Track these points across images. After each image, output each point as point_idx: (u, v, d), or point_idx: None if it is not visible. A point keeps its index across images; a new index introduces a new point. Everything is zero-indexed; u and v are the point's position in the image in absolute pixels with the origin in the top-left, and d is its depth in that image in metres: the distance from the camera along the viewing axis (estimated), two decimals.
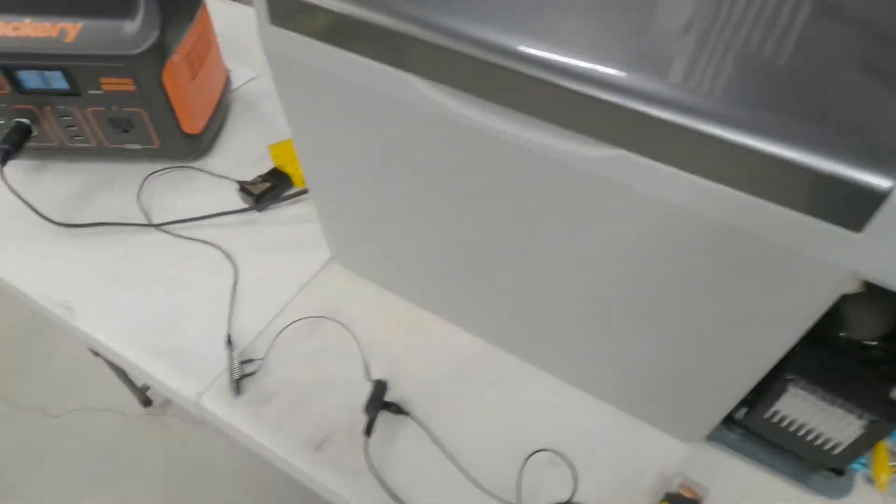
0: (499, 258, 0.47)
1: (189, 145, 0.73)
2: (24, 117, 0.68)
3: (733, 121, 0.29)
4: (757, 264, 0.33)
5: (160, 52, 0.63)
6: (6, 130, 0.68)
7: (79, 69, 0.63)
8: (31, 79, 0.65)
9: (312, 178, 0.55)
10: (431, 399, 0.54)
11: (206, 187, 0.72)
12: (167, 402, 1.34)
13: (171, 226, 0.68)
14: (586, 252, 0.40)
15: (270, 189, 0.70)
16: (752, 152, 0.29)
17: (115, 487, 1.21)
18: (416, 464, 0.50)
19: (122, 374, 1.21)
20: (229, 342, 0.57)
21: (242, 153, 0.77)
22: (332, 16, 0.38)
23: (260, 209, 0.70)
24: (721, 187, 0.31)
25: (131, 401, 1.31)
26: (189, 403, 0.55)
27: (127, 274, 0.64)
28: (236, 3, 1.01)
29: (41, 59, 0.63)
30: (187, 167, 0.75)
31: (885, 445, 0.43)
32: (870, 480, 0.47)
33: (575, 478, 0.49)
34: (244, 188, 0.70)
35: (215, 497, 1.21)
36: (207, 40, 0.74)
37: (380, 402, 0.52)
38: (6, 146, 0.67)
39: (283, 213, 0.70)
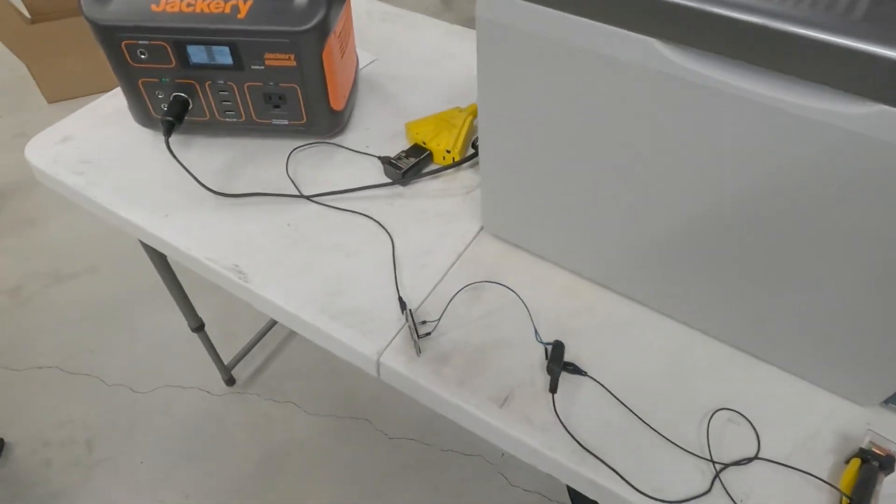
0: (686, 225, 0.49)
1: (333, 121, 0.76)
2: (184, 91, 0.71)
3: None
4: None
5: (324, 29, 0.66)
6: (166, 104, 0.71)
7: (246, 44, 0.66)
8: (198, 53, 0.68)
9: (489, 146, 0.57)
10: (604, 362, 0.56)
11: (348, 162, 0.75)
12: (250, 381, 1.37)
13: (323, 197, 0.71)
14: (808, 213, 0.42)
15: (415, 165, 0.72)
16: None
17: (203, 462, 1.25)
18: (601, 420, 0.52)
19: (212, 350, 1.24)
20: (403, 305, 0.59)
21: (376, 130, 0.80)
22: None
23: (404, 184, 0.72)
24: None
25: (216, 378, 1.35)
26: (369, 362, 0.57)
27: (290, 241, 0.66)
28: None
29: (212, 35, 0.66)
30: (329, 143, 0.77)
31: None
32: None
33: (757, 435, 0.51)
34: (390, 162, 0.72)
35: (299, 474, 1.24)
36: (350, 22, 0.77)
37: (561, 360, 0.54)
38: (170, 118, 0.70)
39: (426, 188, 0.73)
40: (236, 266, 0.64)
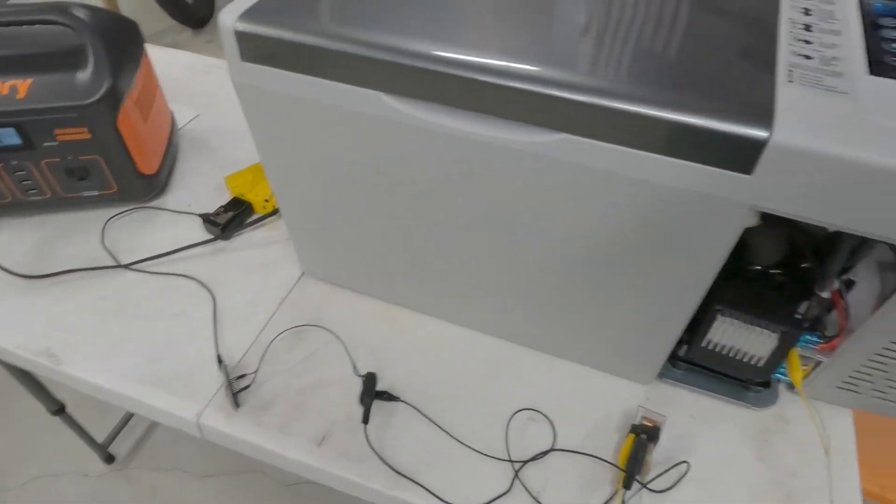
0: (463, 246, 0.53)
1: (147, 186, 0.75)
2: None
3: (647, 100, 0.37)
4: (679, 213, 0.41)
5: (113, 98, 0.66)
6: None
7: (32, 123, 0.65)
8: None
9: (283, 198, 0.60)
10: (417, 383, 0.59)
11: (169, 224, 0.75)
12: (132, 454, 1.31)
13: (142, 264, 0.70)
14: (541, 227, 0.48)
15: (234, 218, 0.73)
16: (664, 122, 0.37)
17: None
18: (413, 441, 0.55)
19: (81, 431, 1.17)
20: (220, 361, 0.60)
21: (198, 188, 0.80)
22: (305, 49, 0.44)
23: (226, 238, 0.73)
24: (644, 153, 0.39)
25: (93, 458, 1.27)
26: (190, 425, 0.58)
27: (106, 314, 0.65)
28: (168, 48, 1.03)
29: None
30: (147, 207, 0.77)
31: (796, 352, 0.52)
32: (790, 388, 0.57)
33: (553, 428, 0.56)
34: (209, 220, 0.73)
35: None
36: (153, 83, 0.78)
37: (372, 391, 0.57)
38: None
39: (248, 239, 0.74)
40: (48, 349, 0.62)
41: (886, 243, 0.50)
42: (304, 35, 0.44)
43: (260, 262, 0.71)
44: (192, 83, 0.98)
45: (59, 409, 1.10)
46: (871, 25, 0.44)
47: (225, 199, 0.77)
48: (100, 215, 0.76)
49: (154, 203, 0.78)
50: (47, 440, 1.32)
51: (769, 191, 0.38)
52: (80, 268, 0.69)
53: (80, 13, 0.66)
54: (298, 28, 0.45)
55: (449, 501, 0.51)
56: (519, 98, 0.40)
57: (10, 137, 0.66)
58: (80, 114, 0.65)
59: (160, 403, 0.58)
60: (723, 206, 0.40)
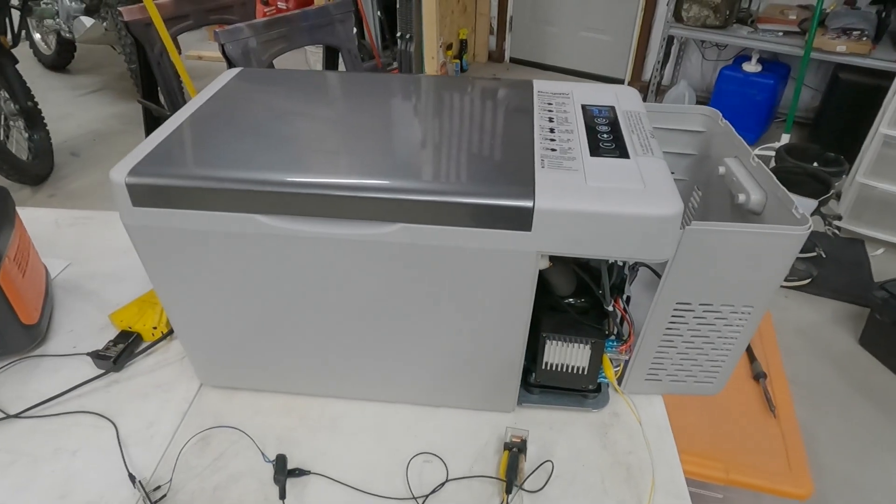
0: (340, 329, 0.65)
1: (28, 335, 0.78)
2: None
3: (453, 192, 0.53)
4: (492, 266, 0.57)
5: None
6: None
7: None
8: None
9: (177, 318, 0.68)
10: (322, 456, 0.67)
11: (56, 369, 0.78)
12: None
13: (32, 410, 0.72)
14: (394, 300, 0.61)
15: (125, 349, 0.79)
16: (468, 205, 0.53)
17: None
18: None
19: None
20: (133, 479, 0.64)
21: (81, 330, 0.84)
22: (185, 191, 0.56)
23: (118, 370, 0.78)
24: (457, 228, 0.55)
25: None
26: None
27: (5, 465, 0.66)
28: (32, 208, 1.07)
29: None
30: (31, 357, 0.79)
31: (606, 357, 0.69)
32: (615, 389, 0.73)
33: (445, 464, 0.66)
34: (98, 356, 0.77)
35: None
36: (26, 241, 0.83)
37: (284, 470, 0.64)
38: None
39: (141, 366, 0.79)
40: None
41: (646, 265, 0.70)
42: (185, 180, 0.56)
43: (156, 384, 0.76)
44: (59, 236, 1.02)
45: None
46: (590, 124, 0.65)
47: (109, 335, 0.82)
48: None
49: (37, 351, 0.80)
50: None
51: (544, 240, 0.55)
52: None
53: None
54: (178, 176, 0.56)
55: None
56: (362, 203, 0.55)
57: None
58: None
59: None
60: (520, 256, 0.56)
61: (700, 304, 0.63)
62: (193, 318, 0.67)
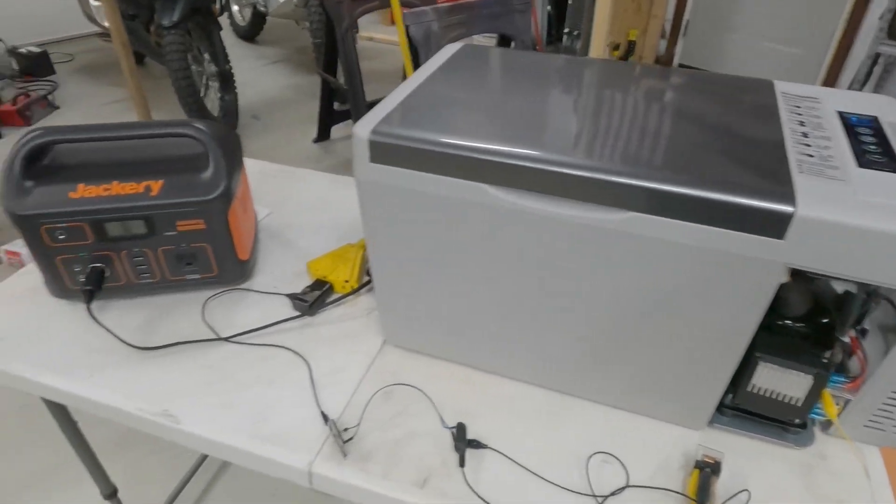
0: (540, 314, 0.64)
1: (241, 270, 0.86)
2: (100, 261, 0.79)
3: (706, 186, 0.50)
4: (730, 272, 0.53)
5: (228, 195, 0.79)
6: (83, 276, 0.79)
7: (160, 216, 0.77)
8: (114, 228, 0.77)
9: (380, 273, 0.71)
10: (499, 434, 0.67)
11: (258, 304, 0.85)
12: None
13: (240, 337, 0.80)
14: (609, 293, 0.59)
15: (319, 296, 0.84)
16: (719, 202, 0.50)
17: None
18: (504, 482, 0.63)
19: None
20: (326, 417, 0.68)
21: (280, 273, 0.91)
22: (422, 153, 0.58)
23: (311, 314, 0.83)
24: (702, 226, 0.51)
25: None
26: (301, 474, 0.65)
27: (213, 381, 0.74)
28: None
29: (128, 212, 0.76)
30: (239, 289, 0.87)
31: (827, 392, 0.62)
32: (823, 428, 0.66)
33: (625, 468, 0.64)
34: (297, 298, 0.83)
35: None
36: (247, 184, 0.91)
37: (465, 438, 0.65)
38: (89, 287, 0.77)
39: (331, 315, 0.84)
40: (166, 411, 0.70)
41: (888, 300, 0.62)
42: (423, 143, 0.58)
43: (344, 335, 0.81)
44: (263, 185, 1.12)
45: (111, 493, 1.13)
46: (851, 132, 0.59)
47: (304, 282, 0.88)
48: (197, 297, 0.86)
49: (245, 286, 0.88)
50: None
51: (797, 252, 0.50)
52: (186, 340, 0.78)
53: (203, 126, 0.80)
54: (417, 137, 0.58)
55: None
56: (596, 185, 0.53)
57: (139, 228, 0.78)
58: (201, 208, 0.78)
59: (273, 455, 0.66)
60: (763, 266, 0.51)
61: None
62: (397, 276, 0.70)
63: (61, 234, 0.76)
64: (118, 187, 0.77)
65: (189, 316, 0.83)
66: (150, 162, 0.80)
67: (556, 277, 0.60)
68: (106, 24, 2.62)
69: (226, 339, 0.79)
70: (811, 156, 0.55)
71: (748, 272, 0.52)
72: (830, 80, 3.17)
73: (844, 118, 0.61)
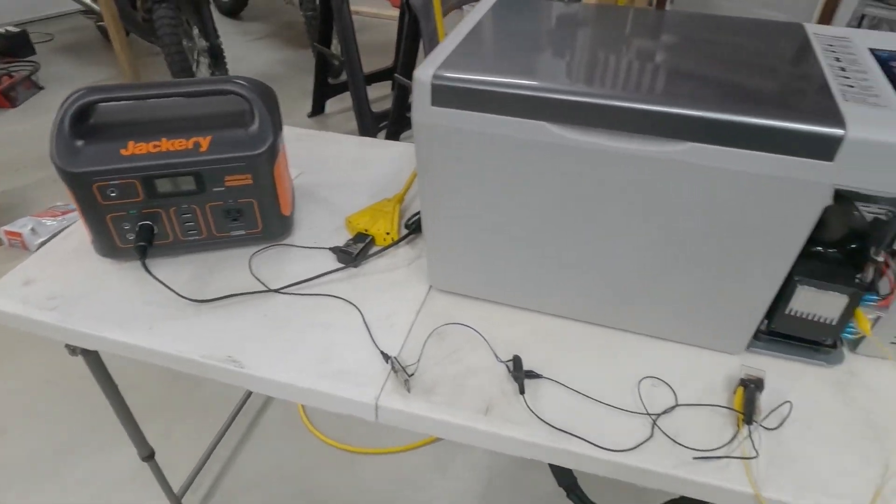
0: (593, 248, 0.68)
1: (284, 225, 0.89)
2: (149, 219, 0.81)
3: (760, 113, 0.54)
4: (780, 196, 0.57)
5: (274, 149, 0.81)
6: (132, 234, 0.81)
7: (210, 172, 0.79)
8: (164, 185, 0.79)
9: (432, 218, 0.74)
10: (552, 365, 0.71)
11: (302, 258, 0.88)
12: None
13: (290, 288, 0.82)
14: (665, 223, 0.62)
15: (363, 248, 0.87)
16: (771, 128, 0.53)
17: None
18: (562, 406, 0.67)
19: (161, 479, 1.22)
20: (386, 357, 0.72)
21: (318, 229, 0.93)
22: (484, 94, 0.60)
23: (356, 265, 0.86)
24: (755, 153, 0.55)
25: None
26: (368, 408, 0.68)
27: (271, 328, 0.76)
28: None
29: (178, 168, 0.78)
30: (282, 245, 0.90)
31: (860, 310, 0.67)
32: (851, 348, 0.71)
33: (673, 390, 0.68)
34: (341, 251, 0.86)
35: None
36: (283, 143, 0.93)
37: (521, 369, 0.69)
38: (142, 243, 0.79)
39: (375, 266, 0.87)
40: (230, 357, 0.73)
41: None
42: (484, 85, 0.60)
43: (390, 283, 0.84)
44: (292, 147, 1.13)
45: (149, 455, 1.16)
46: (885, 66, 0.62)
47: (343, 236, 0.90)
48: (241, 253, 0.88)
49: (287, 241, 0.90)
50: (118, 500, 1.34)
51: (846, 173, 0.54)
52: (238, 293, 0.81)
53: (245, 82, 0.81)
54: (479, 79, 0.61)
55: (605, 447, 0.62)
56: (654, 118, 0.56)
57: (189, 184, 0.79)
58: (249, 162, 0.79)
59: (341, 392, 0.69)
60: (812, 188, 0.55)
61: None
62: (449, 220, 0.72)
63: (113, 192, 0.78)
64: (167, 144, 0.78)
65: (237, 271, 0.85)
66: (196, 118, 0.81)
67: (613, 212, 0.64)
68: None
69: (277, 290, 0.82)
70: (852, 86, 0.58)
71: (798, 196, 0.56)
72: None
73: (876, 54, 0.65)
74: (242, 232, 0.86)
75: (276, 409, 1.59)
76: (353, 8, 4.33)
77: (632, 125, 0.58)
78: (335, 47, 2.75)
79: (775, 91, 0.57)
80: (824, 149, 0.53)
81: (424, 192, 0.71)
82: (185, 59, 2.60)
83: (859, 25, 2.90)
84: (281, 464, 1.44)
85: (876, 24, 3.01)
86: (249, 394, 1.58)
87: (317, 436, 1.49)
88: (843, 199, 0.57)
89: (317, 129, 1.16)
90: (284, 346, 0.74)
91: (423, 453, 1.46)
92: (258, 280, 0.84)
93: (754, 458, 0.61)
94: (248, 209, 0.84)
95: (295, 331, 0.76)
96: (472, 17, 0.74)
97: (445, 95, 0.62)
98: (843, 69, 0.62)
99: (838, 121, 0.53)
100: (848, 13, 2.95)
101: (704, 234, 0.62)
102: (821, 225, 0.64)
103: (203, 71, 2.91)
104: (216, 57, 2.92)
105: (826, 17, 3.13)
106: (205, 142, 0.79)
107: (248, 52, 3.73)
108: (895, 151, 0.52)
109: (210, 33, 2.84)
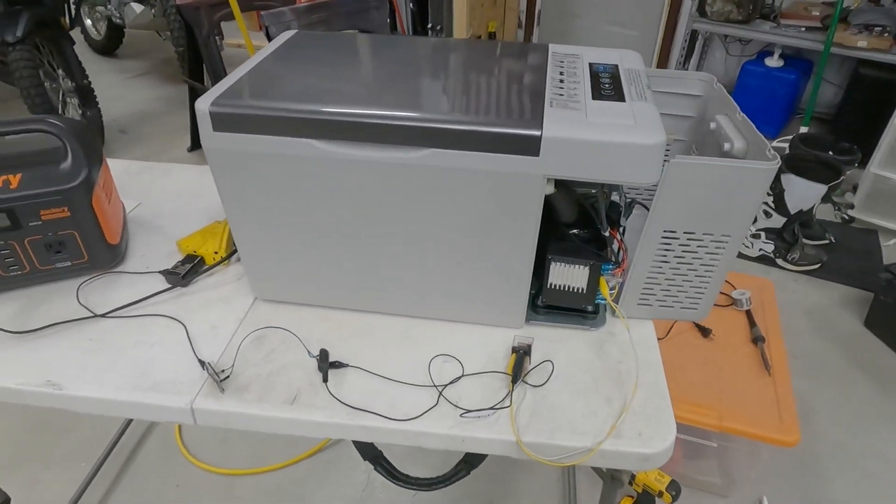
0: (373, 246, 0.77)
1: (113, 254, 0.92)
2: None
3: (479, 123, 0.65)
4: (505, 188, 0.68)
5: (89, 182, 0.85)
6: None
7: (22, 207, 0.82)
8: None
9: (239, 233, 0.81)
10: (357, 355, 0.80)
11: (133, 283, 0.92)
12: None
13: (116, 312, 0.86)
14: (425, 220, 0.73)
15: (191, 268, 0.92)
16: (489, 133, 0.65)
17: None
18: (362, 389, 0.75)
19: None
20: (202, 363, 0.77)
21: (151, 255, 0.98)
22: (256, 118, 0.69)
23: (184, 285, 0.91)
24: (479, 153, 0.66)
25: None
26: (185, 412, 0.73)
27: (94, 350, 0.80)
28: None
29: None
30: (112, 272, 0.93)
31: (603, 279, 0.80)
32: (613, 314, 0.84)
33: (461, 364, 0.78)
34: (169, 272, 0.91)
35: None
36: (110, 175, 0.97)
37: (327, 360, 0.77)
38: None
39: (205, 284, 0.92)
40: (49, 381, 0.76)
41: (641, 204, 0.80)
42: (256, 109, 0.69)
43: (217, 298, 0.89)
44: (129, 181, 1.17)
45: (4, 502, 1.13)
46: (595, 77, 0.76)
47: (174, 261, 0.95)
48: (72, 284, 0.91)
49: (118, 269, 0.94)
50: None
51: (549, 164, 0.66)
52: (63, 320, 0.84)
53: (57, 121, 0.86)
54: (250, 106, 0.69)
55: (394, 417, 0.71)
56: (400, 130, 0.67)
57: (3, 221, 0.82)
58: (64, 196, 0.83)
59: (156, 401, 0.74)
60: (530, 179, 0.67)
61: (684, 233, 0.73)
62: (254, 234, 0.80)
63: None
64: None
65: (65, 301, 0.88)
66: (5, 158, 0.84)
67: (380, 214, 0.74)
68: None
69: (102, 315, 0.85)
70: (561, 94, 0.71)
71: (521, 186, 0.68)
72: (663, 56, 3.58)
73: (593, 67, 0.79)
74: (68, 263, 0.89)
75: (154, 441, 1.58)
76: (234, 41, 4.32)
77: (381, 136, 0.68)
78: (209, 79, 2.76)
79: (502, 101, 0.69)
80: (531, 146, 0.65)
81: (227, 210, 0.78)
82: (47, 101, 2.53)
83: (692, 39, 3.26)
84: (158, 497, 1.44)
85: (708, 37, 3.39)
86: (122, 432, 1.56)
87: (195, 464, 1.49)
88: (564, 186, 0.70)
89: (197, 164, 1.20)
90: (106, 365, 0.78)
91: (304, 466, 1.50)
92: (85, 307, 0.87)
93: (509, 407, 0.72)
94: (70, 241, 0.87)
95: (119, 350, 0.80)
96: (260, 53, 0.83)
97: (224, 121, 0.70)
98: (561, 81, 0.75)
99: (539, 123, 0.65)
100: (683, 29, 3.31)
101: (460, 226, 0.73)
102: (559, 209, 0.77)
103: (71, 112, 2.83)
104: (85, 96, 2.86)
105: (669, 33, 3.49)
106: (14, 179, 0.82)
107: (125, 90, 3.65)
108: (577, 145, 0.64)
109: (76, 73, 2.78)
